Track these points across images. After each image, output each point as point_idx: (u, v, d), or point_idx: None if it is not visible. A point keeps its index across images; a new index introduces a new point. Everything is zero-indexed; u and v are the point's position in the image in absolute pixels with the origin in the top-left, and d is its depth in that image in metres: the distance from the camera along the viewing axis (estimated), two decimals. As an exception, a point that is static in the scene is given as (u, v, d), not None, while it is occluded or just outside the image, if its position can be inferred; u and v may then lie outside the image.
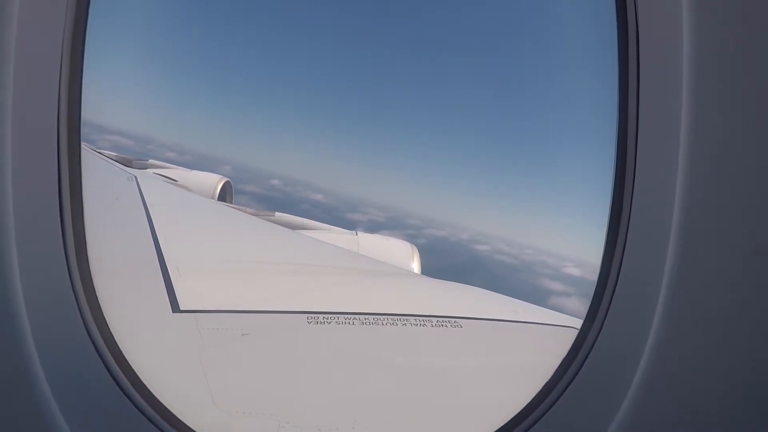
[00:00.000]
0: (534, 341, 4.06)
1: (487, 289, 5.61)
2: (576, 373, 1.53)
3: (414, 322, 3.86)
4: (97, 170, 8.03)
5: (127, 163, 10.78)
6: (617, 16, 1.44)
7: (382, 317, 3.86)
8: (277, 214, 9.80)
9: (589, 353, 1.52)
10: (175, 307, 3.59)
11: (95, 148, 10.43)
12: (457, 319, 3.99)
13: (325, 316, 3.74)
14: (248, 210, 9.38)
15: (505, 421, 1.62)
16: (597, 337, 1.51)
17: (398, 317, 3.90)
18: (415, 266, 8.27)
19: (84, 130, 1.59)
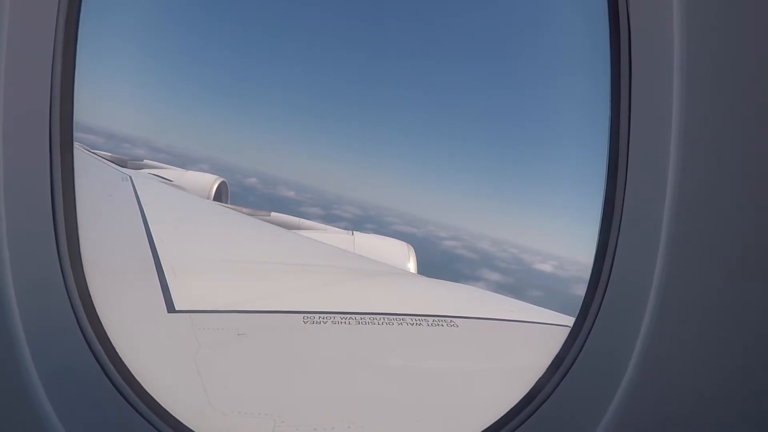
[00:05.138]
0: (529, 340, 4.07)
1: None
2: (567, 371, 1.54)
3: (410, 321, 3.86)
4: (92, 170, 7.99)
5: (122, 164, 10.74)
6: (609, 18, 1.44)
7: (378, 317, 3.87)
8: (273, 214, 9.79)
9: (580, 352, 1.53)
10: (170, 307, 3.58)
11: (89, 149, 10.38)
12: (453, 319, 4.00)
13: (321, 315, 3.74)
14: (244, 210, 9.36)
15: (496, 419, 1.63)
16: (588, 335, 1.52)
17: (394, 317, 3.90)
18: (411, 266, 8.28)
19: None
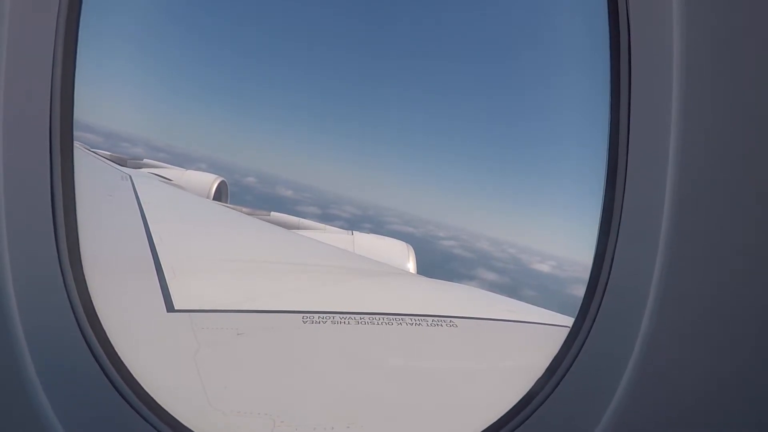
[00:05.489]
0: (528, 340, 4.07)
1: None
2: (566, 372, 1.54)
3: (409, 321, 3.86)
4: (92, 169, 7.99)
5: (122, 163, 10.74)
6: (609, 18, 1.45)
7: (377, 317, 3.87)
8: (273, 213, 9.79)
9: (579, 352, 1.53)
10: (169, 306, 3.58)
11: (89, 147, 10.38)
12: (452, 319, 4.00)
13: (321, 315, 3.74)
14: (243, 209, 9.36)
15: (496, 419, 1.63)
16: (587, 336, 1.53)
17: (394, 317, 3.90)
18: (411, 266, 8.28)
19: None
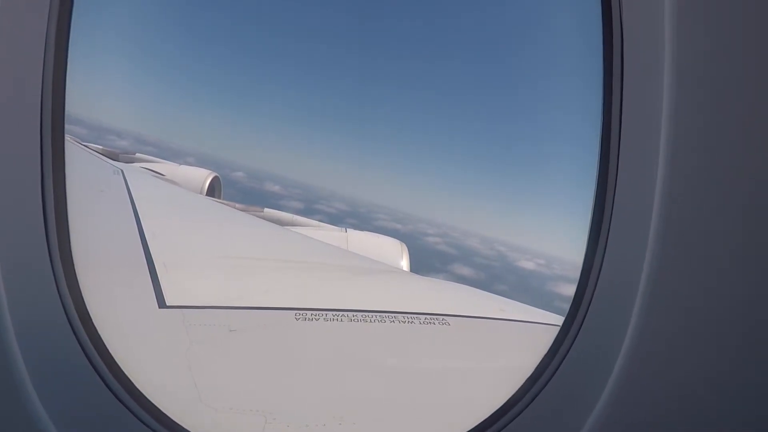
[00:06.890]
0: (520, 339, 4.10)
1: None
2: (555, 370, 1.56)
3: (402, 319, 3.88)
4: (83, 163, 7.92)
5: (114, 157, 10.65)
6: (602, 21, 1.46)
7: (370, 314, 3.87)
8: (266, 210, 9.77)
9: (568, 350, 1.55)
10: (161, 302, 3.56)
11: (80, 141, 10.28)
12: (444, 317, 4.02)
13: (313, 312, 3.74)
14: (237, 206, 9.33)
15: (485, 417, 1.64)
16: (577, 334, 1.54)
17: (386, 314, 3.91)
18: (404, 264, 8.29)
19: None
